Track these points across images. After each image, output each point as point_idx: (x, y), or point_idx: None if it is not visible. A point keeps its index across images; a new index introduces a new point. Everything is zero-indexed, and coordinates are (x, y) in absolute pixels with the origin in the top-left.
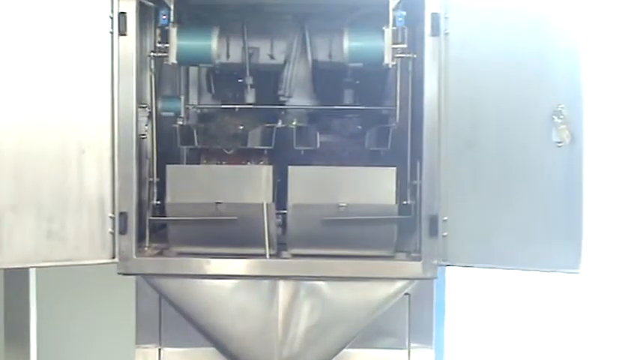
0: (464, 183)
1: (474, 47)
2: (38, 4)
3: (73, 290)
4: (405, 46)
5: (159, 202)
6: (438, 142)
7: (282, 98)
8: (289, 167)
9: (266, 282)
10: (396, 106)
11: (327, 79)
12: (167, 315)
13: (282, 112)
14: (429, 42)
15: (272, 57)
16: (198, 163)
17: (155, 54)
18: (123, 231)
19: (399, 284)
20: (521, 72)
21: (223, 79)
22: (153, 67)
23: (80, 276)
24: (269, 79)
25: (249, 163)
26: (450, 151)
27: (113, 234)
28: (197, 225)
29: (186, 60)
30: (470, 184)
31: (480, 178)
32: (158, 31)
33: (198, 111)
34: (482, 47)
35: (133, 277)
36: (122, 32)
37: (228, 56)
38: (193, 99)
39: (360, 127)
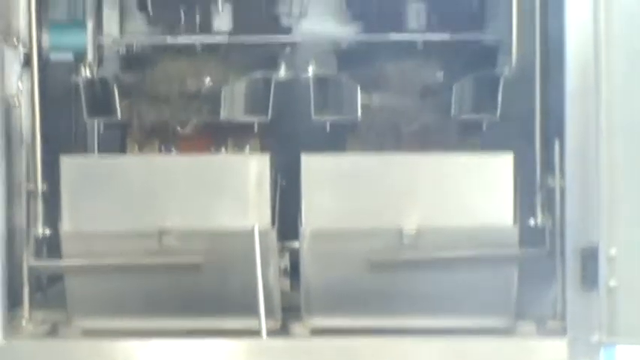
0: None
1: None
2: None
3: None
4: None
5: (48, 233)
6: (596, 105)
7: (285, 21)
8: (303, 156)
9: None
10: (510, 34)
11: None
12: None
13: (287, 49)
14: None
15: None
16: (122, 151)
17: None
18: None
19: None
20: None
21: None
22: None
23: None
24: None
25: (224, 149)
26: (619, 122)
27: None
28: (123, 275)
29: None
30: None
31: None
32: None
33: (122, 50)
34: None
35: None
36: None
37: None
38: (111, 27)
39: (439, 75)
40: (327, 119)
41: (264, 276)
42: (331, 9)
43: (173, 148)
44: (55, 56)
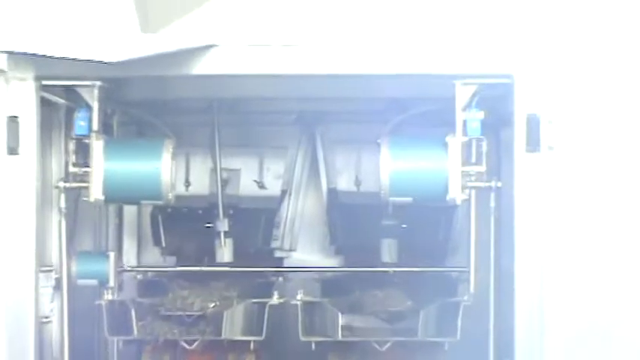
0: None
1: (600, 173)
2: None
3: None
4: (483, 169)
5: None
6: (540, 334)
7: (278, 254)
8: None
9: None
10: (469, 267)
11: (352, 222)
12: None
13: (279, 279)
14: (523, 162)
15: (261, 185)
16: None
17: (67, 184)
18: None
19: None
20: None
21: (180, 223)
22: (63, 205)
23: None
24: (257, 221)
25: None
26: (561, 345)
27: None
28: None
29: (119, 194)
30: None
31: None
32: (72, 147)
33: (139, 277)
34: (614, 173)
35: None
36: (13, 149)
37: (188, 185)
38: (130, 257)
39: (408, 302)
40: (313, 340)
41: None
42: (317, 244)
43: None
44: (81, 281)
